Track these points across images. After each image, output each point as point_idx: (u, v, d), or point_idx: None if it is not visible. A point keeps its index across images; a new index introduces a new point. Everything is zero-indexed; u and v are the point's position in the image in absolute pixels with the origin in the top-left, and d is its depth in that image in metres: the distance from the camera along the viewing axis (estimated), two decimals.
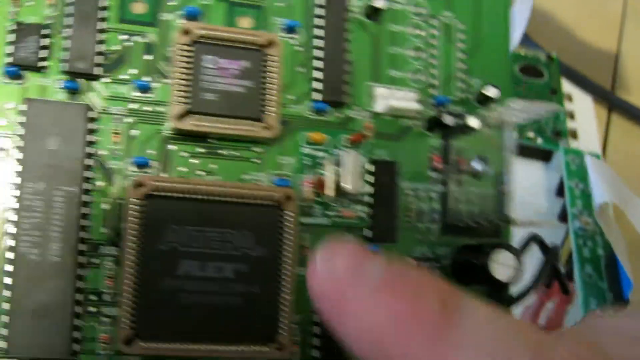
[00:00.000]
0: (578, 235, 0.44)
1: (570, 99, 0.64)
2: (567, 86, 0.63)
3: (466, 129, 0.40)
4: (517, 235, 0.42)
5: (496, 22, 0.45)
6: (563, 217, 0.45)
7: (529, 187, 0.47)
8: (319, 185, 0.40)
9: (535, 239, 0.42)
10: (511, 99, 0.37)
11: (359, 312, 0.27)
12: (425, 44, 0.43)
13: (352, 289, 0.27)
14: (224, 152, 0.39)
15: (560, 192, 0.48)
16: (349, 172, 0.38)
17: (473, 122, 0.40)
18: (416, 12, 0.43)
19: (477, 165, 0.39)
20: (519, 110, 0.37)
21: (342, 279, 0.28)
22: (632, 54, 0.79)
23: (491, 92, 0.42)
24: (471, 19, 0.44)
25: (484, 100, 0.43)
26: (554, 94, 0.58)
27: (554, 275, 0.43)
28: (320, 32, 0.41)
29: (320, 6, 0.41)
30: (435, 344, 0.25)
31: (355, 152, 0.39)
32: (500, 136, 0.37)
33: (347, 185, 0.38)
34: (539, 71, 0.58)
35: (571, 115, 0.63)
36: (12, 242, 0.35)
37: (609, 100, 0.73)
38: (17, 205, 0.35)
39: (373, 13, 0.42)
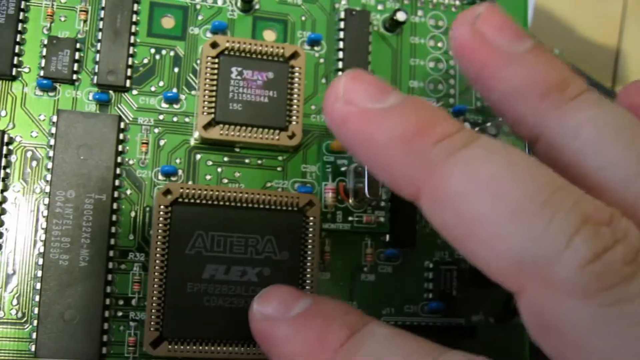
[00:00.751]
0: None
1: None
2: None
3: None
4: None
5: None
6: None
7: None
8: (341, 192, 0.40)
9: None
10: None
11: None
12: (444, 55, 0.44)
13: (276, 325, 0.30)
14: (249, 160, 0.39)
15: None
16: (369, 178, 0.38)
17: (491, 130, 0.40)
18: (435, 25, 0.44)
19: None
20: None
21: (271, 315, 0.31)
22: (632, 53, 0.78)
23: None
24: None
25: None
26: None
27: None
28: (342, 45, 0.41)
29: (342, 19, 0.42)
30: None
31: None
32: (515, 143, 0.37)
33: (367, 192, 0.38)
34: None
35: None
36: (42, 249, 0.35)
37: (610, 98, 0.72)
38: (47, 213, 0.36)
39: (394, 26, 0.42)
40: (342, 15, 0.41)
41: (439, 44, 0.43)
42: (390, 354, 0.27)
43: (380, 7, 0.43)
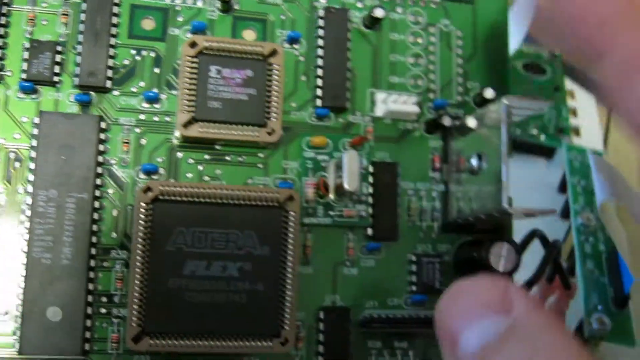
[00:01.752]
0: (580, 231, 0.43)
1: (572, 96, 0.63)
2: (569, 83, 0.62)
3: (464, 129, 0.40)
4: (519, 231, 0.41)
5: (493, 27, 0.44)
6: (565, 213, 0.44)
7: (532, 183, 0.46)
8: (321, 186, 0.40)
9: (536, 233, 0.41)
10: (506, 96, 0.37)
11: None
12: (424, 51, 0.43)
13: None
14: (229, 158, 0.39)
15: (562, 188, 0.47)
16: (348, 171, 0.38)
17: (471, 122, 0.40)
18: (415, 21, 0.43)
19: (474, 162, 0.39)
20: (513, 107, 0.37)
21: None
22: None
23: (488, 93, 0.42)
24: (468, 25, 0.44)
25: (482, 102, 0.42)
26: (557, 91, 0.58)
27: (555, 270, 0.42)
28: (322, 42, 0.41)
29: (321, 17, 0.41)
30: None
31: (354, 152, 0.38)
32: (497, 133, 0.37)
33: (346, 184, 0.38)
34: (542, 68, 0.58)
35: (574, 112, 0.62)
36: (25, 247, 0.35)
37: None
38: (30, 212, 0.36)
39: (373, 23, 0.42)
40: (321, 13, 0.41)
41: (419, 40, 0.43)
42: None
43: (359, 4, 0.42)
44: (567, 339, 0.28)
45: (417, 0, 0.43)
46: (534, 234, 0.41)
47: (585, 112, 0.62)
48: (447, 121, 0.41)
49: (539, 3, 0.38)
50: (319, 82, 0.41)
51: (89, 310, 0.36)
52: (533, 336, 0.27)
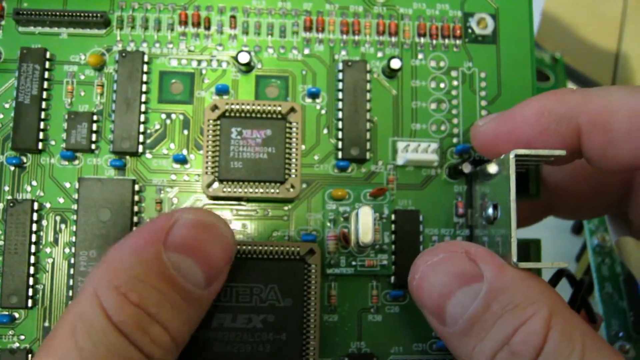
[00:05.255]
0: (596, 252, 0.42)
1: None
2: (570, 86, 0.60)
3: (486, 176, 0.40)
4: (548, 271, 0.41)
5: (518, 65, 0.44)
6: (576, 229, 0.43)
7: (544, 225, 0.45)
8: (342, 238, 0.41)
9: (564, 272, 0.41)
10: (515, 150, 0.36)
11: None
12: (446, 95, 0.43)
13: None
14: (256, 212, 0.41)
15: (576, 230, 0.46)
16: (362, 226, 0.39)
17: (492, 168, 0.40)
18: (436, 66, 0.44)
19: (490, 212, 0.38)
20: (523, 157, 0.36)
21: None
22: (632, 54, 0.74)
23: None
24: (492, 65, 0.43)
25: None
26: None
27: (582, 305, 0.41)
28: (341, 95, 0.42)
29: (340, 71, 0.42)
30: None
31: (367, 208, 0.39)
32: (507, 184, 0.36)
33: (361, 238, 0.39)
34: (545, 75, 0.56)
35: None
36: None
37: None
38: (73, 272, 0.39)
39: (391, 73, 0.43)
40: (340, 67, 0.42)
41: (441, 85, 0.43)
42: None
43: (379, 54, 0.43)
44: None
45: (439, 45, 0.43)
46: (562, 273, 0.41)
47: None
48: (467, 168, 0.41)
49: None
50: (339, 134, 0.41)
51: None
52: (509, 294, 0.33)
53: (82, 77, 0.41)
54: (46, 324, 0.39)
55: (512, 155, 0.36)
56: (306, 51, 0.43)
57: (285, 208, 0.41)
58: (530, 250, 0.42)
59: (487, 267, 0.34)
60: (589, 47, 0.75)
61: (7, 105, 0.41)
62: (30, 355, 0.39)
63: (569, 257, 0.48)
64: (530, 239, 0.43)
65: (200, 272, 0.34)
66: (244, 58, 0.41)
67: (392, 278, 0.41)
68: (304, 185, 0.41)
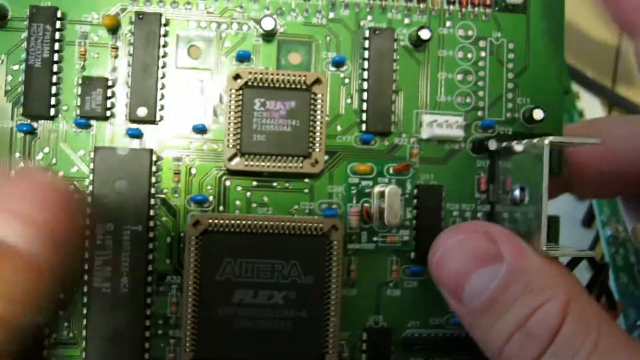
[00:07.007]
0: (610, 242, 0.42)
1: (578, 97, 0.60)
2: (573, 86, 0.60)
3: (511, 152, 0.39)
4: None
5: (547, 36, 0.42)
6: (586, 222, 0.43)
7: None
8: (365, 214, 0.40)
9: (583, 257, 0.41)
10: (550, 136, 0.35)
11: None
12: (473, 67, 0.41)
13: None
14: (276, 184, 0.40)
15: (586, 222, 0.46)
16: (388, 208, 0.38)
17: (518, 147, 0.39)
18: (464, 35, 0.42)
19: (517, 193, 0.38)
20: (558, 144, 0.35)
21: None
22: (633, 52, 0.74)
23: (538, 114, 0.40)
24: (521, 36, 0.42)
25: (531, 121, 0.41)
26: (566, 94, 0.55)
27: (602, 291, 0.41)
28: (367, 65, 0.40)
29: (366, 38, 0.40)
30: None
31: (396, 189, 0.38)
32: (539, 170, 0.35)
33: (386, 221, 0.38)
34: None
35: (581, 114, 0.60)
36: (86, 278, 0.38)
37: (609, 97, 0.71)
38: (89, 245, 0.38)
39: (419, 43, 0.40)
40: (366, 34, 0.40)
41: (469, 55, 0.41)
42: None
43: (407, 20, 0.41)
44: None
45: (467, 12, 0.41)
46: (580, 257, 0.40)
47: (591, 114, 0.60)
48: (492, 145, 0.40)
49: None
50: (364, 106, 0.40)
51: (147, 334, 0.38)
52: (528, 276, 0.33)
53: (96, 39, 0.39)
54: (60, 297, 0.38)
55: (546, 142, 0.35)
56: (331, 15, 0.40)
57: (307, 180, 0.40)
58: (549, 227, 0.41)
59: (507, 248, 0.34)
60: (590, 45, 0.74)
61: (15, 67, 0.38)
62: (45, 330, 0.38)
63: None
64: (549, 215, 0.42)
65: (18, 230, 0.29)
66: (268, 24, 0.39)
67: (412, 254, 0.40)
68: (326, 157, 0.40)
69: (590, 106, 0.62)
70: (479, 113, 0.41)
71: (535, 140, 0.36)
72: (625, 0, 0.37)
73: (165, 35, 0.39)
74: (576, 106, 0.57)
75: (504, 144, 0.40)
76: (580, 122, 0.46)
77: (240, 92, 0.38)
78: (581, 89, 0.64)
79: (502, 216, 0.40)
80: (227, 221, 0.37)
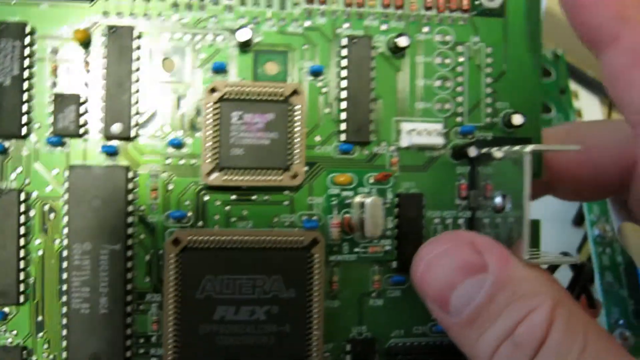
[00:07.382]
0: (597, 242, 0.42)
1: (576, 96, 0.60)
2: (572, 84, 0.60)
3: (491, 159, 0.39)
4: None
5: (524, 40, 0.42)
6: (577, 221, 0.43)
7: (547, 217, 0.45)
8: (346, 226, 0.40)
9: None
10: (530, 145, 0.35)
11: None
12: (451, 73, 0.41)
13: None
14: (255, 197, 0.39)
15: (577, 221, 0.46)
16: (369, 219, 0.38)
17: (498, 154, 0.39)
18: (442, 40, 0.41)
19: (498, 201, 0.38)
20: (539, 150, 0.35)
21: None
22: None
23: (517, 119, 0.40)
24: (499, 41, 0.41)
25: (510, 126, 0.41)
26: (563, 93, 0.55)
27: (581, 291, 0.42)
28: (345, 73, 0.39)
29: (344, 47, 0.40)
30: None
31: (377, 200, 0.38)
32: (520, 179, 0.35)
33: (367, 232, 0.38)
34: (547, 70, 0.55)
35: (579, 114, 0.60)
36: (65, 299, 0.37)
37: (608, 95, 0.69)
38: (67, 265, 0.37)
39: (397, 50, 0.40)
40: (344, 42, 0.39)
41: (447, 61, 0.41)
42: None
43: (384, 27, 0.40)
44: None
45: (445, 18, 0.41)
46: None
47: (589, 112, 0.60)
48: (473, 152, 0.40)
49: None
50: (343, 115, 0.39)
51: (128, 353, 0.37)
52: (514, 285, 0.33)
53: (66, 54, 0.38)
54: (39, 319, 0.38)
55: (527, 150, 0.34)
56: (307, 23, 0.40)
57: (286, 193, 0.39)
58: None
59: (492, 258, 0.34)
60: None
61: None
62: (24, 352, 0.37)
63: (571, 248, 0.48)
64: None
65: None
66: (243, 36, 0.38)
67: (395, 263, 0.40)
68: (306, 168, 0.39)
69: (589, 105, 0.61)
70: (458, 119, 0.41)
71: (515, 148, 0.36)
72: (589, 16, 0.37)
73: (138, 49, 0.38)
74: (573, 105, 0.56)
75: (484, 150, 0.40)
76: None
77: (217, 105, 0.37)
78: (580, 87, 0.64)
79: (482, 222, 0.40)
80: (206, 237, 0.37)
